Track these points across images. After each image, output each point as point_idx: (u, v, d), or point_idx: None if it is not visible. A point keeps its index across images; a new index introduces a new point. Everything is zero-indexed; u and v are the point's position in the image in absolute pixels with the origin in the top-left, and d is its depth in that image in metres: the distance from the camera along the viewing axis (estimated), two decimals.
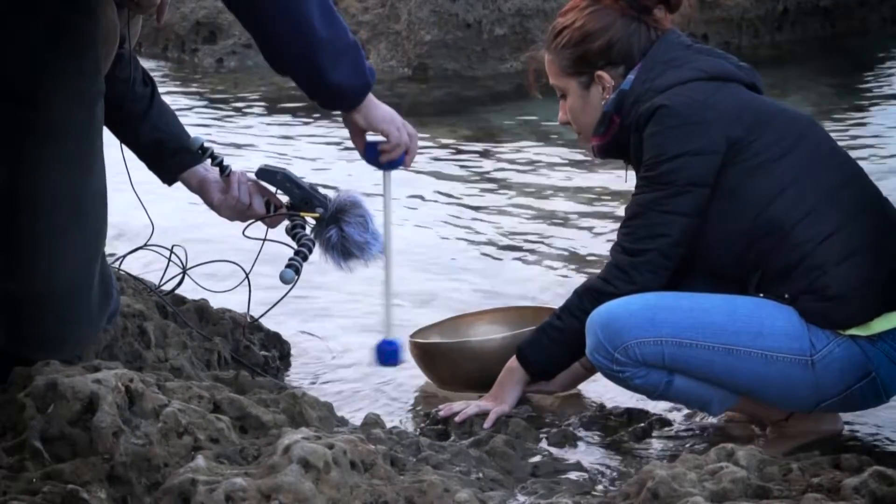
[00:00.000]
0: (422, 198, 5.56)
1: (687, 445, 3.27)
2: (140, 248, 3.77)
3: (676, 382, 3.12)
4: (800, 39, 8.61)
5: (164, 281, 3.76)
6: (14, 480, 2.57)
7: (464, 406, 3.38)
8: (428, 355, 3.65)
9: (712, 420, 3.39)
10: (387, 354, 3.36)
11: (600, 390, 3.58)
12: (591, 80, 3.28)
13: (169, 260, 3.74)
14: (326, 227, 3.48)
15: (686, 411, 3.43)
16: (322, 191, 3.54)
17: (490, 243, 5.00)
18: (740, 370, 3.08)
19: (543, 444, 3.24)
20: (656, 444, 3.28)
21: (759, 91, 3.25)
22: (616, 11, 3.27)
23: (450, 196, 5.59)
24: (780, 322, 3.06)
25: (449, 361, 3.61)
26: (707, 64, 3.20)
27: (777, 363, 3.06)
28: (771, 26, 8.64)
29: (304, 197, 3.50)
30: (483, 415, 3.34)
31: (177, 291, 3.78)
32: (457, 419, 3.35)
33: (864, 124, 6.51)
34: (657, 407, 3.45)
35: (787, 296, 3.07)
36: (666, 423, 3.39)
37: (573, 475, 3.07)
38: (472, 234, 5.10)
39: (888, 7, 8.89)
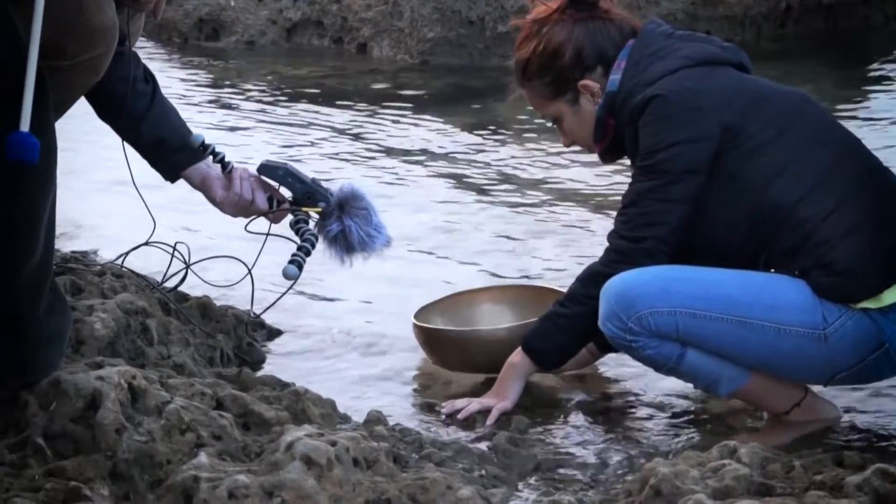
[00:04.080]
0: (424, 187, 5.57)
1: (690, 440, 3.26)
2: (142, 244, 3.77)
3: (689, 356, 3.13)
4: (803, 36, 8.61)
5: (167, 277, 3.77)
6: (17, 477, 2.57)
7: (466, 403, 3.38)
8: (435, 340, 3.66)
9: (714, 411, 3.39)
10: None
11: (605, 379, 3.61)
12: (576, 93, 3.28)
13: (172, 256, 3.75)
14: (329, 221, 3.49)
15: (690, 406, 3.43)
16: (325, 184, 3.55)
17: (492, 228, 5.00)
18: (753, 342, 3.09)
19: (546, 441, 3.24)
20: (659, 441, 3.28)
21: (747, 70, 3.25)
22: (568, 20, 3.28)
23: (452, 183, 5.60)
24: (792, 295, 3.07)
25: (457, 348, 3.61)
26: (693, 50, 3.20)
27: (790, 336, 3.07)
28: (774, 23, 8.63)
29: (306, 191, 3.50)
30: (485, 412, 3.34)
31: (179, 288, 3.79)
32: (459, 416, 3.35)
33: (868, 119, 6.51)
34: (658, 405, 3.45)
35: (796, 272, 3.08)
36: (668, 418, 3.39)
37: (575, 472, 3.07)
38: (474, 221, 5.11)
39: (891, 4, 8.89)
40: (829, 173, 3.11)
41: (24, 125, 2.46)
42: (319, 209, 3.50)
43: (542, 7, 3.32)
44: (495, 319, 3.74)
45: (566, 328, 3.25)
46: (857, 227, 3.05)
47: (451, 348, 3.63)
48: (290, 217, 3.54)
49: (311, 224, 3.52)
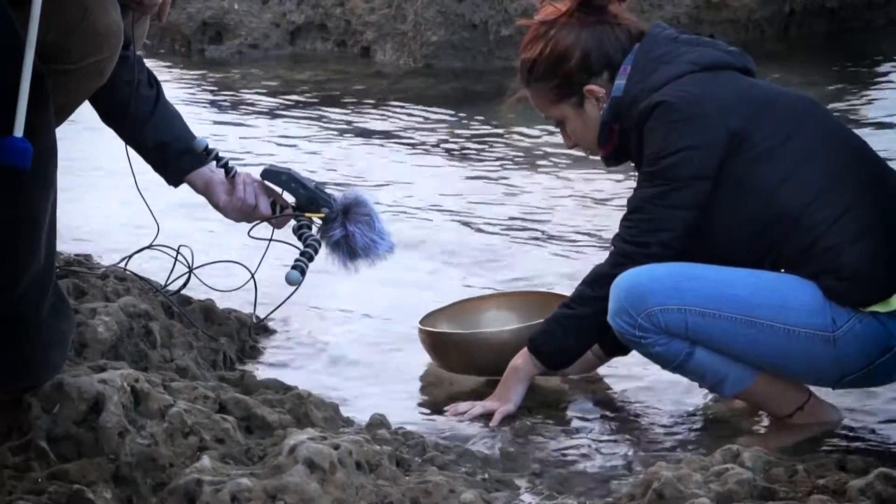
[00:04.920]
0: (426, 191, 5.57)
1: (693, 443, 3.26)
2: (146, 248, 3.78)
3: (697, 355, 3.13)
4: (806, 38, 8.61)
5: (170, 281, 3.77)
6: (20, 480, 2.58)
7: (469, 406, 3.38)
8: (441, 344, 3.66)
9: (717, 415, 3.39)
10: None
11: (608, 382, 3.61)
12: (581, 97, 3.28)
13: (175, 260, 3.76)
14: (332, 226, 3.49)
15: (693, 410, 3.44)
16: (328, 190, 3.55)
17: (496, 234, 5.00)
18: (762, 343, 3.09)
19: (549, 445, 3.24)
20: (662, 444, 3.28)
21: (752, 73, 3.25)
22: (576, 24, 3.27)
23: (455, 188, 5.60)
24: (802, 296, 3.08)
25: (462, 351, 3.61)
26: (698, 55, 3.20)
27: (800, 338, 3.07)
28: (777, 27, 8.63)
29: (309, 197, 3.51)
30: (489, 415, 3.34)
31: (182, 292, 3.79)
32: (462, 420, 3.35)
33: (873, 121, 6.51)
34: (661, 408, 3.45)
35: (806, 276, 3.08)
36: (671, 422, 3.39)
37: (578, 476, 3.07)
38: (477, 226, 5.11)
39: (895, 7, 8.88)
40: (836, 177, 3.11)
41: (18, 130, 2.46)
42: (322, 215, 3.50)
43: (550, 8, 3.31)
44: (501, 326, 3.74)
45: (572, 329, 3.26)
46: (865, 232, 3.06)
47: (456, 351, 3.63)
48: (293, 222, 3.55)
49: (314, 230, 3.53)
